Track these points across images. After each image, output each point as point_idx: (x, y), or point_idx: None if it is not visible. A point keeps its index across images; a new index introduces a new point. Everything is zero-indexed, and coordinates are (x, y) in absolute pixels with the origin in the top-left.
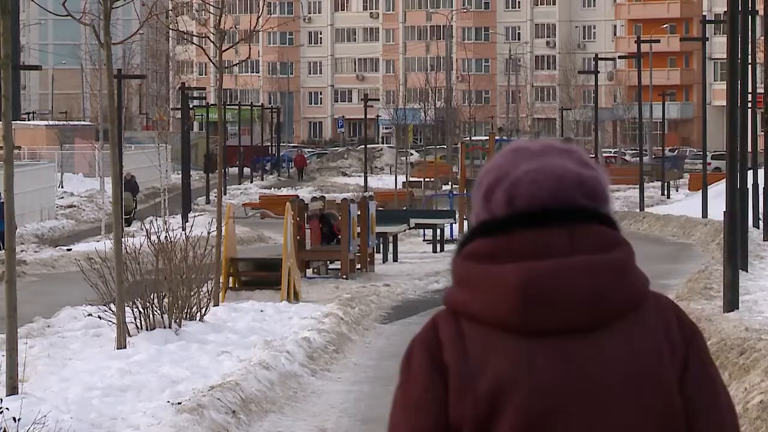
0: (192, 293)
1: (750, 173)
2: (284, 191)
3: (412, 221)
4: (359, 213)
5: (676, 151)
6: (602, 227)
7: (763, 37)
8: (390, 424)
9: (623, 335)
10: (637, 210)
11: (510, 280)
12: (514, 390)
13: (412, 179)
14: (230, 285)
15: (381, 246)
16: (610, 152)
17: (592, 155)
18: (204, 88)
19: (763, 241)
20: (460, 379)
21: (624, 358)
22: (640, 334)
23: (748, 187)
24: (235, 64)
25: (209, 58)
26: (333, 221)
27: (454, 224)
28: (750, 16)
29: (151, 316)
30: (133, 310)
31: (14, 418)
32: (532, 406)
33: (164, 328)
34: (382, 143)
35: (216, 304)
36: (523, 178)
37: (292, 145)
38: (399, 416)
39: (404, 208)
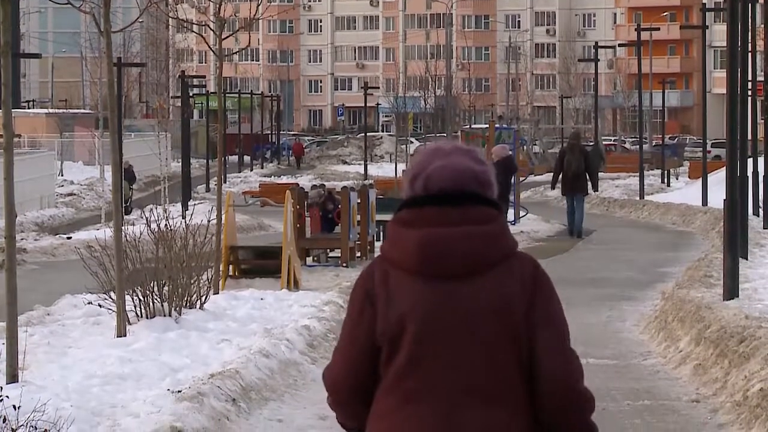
0: (192, 281)
1: (750, 161)
2: (284, 179)
3: None
4: (359, 201)
5: (675, 139)
6: (486, 207)
7: (763, 25)
8: (340, 333)
9: (491, 280)
10: (637, 198)
11: (414, 240)
12: (415, 314)
13: None
14: (230, 273)
15: (381, 234)
16: (610, 140)
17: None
18: (204, 76)
19: (763, 229)
20: (384, 305)
21: (489, 296)
22: (502, 280)
23: (748, 175)
24: (235, 52)
25: (209, 46)
26: (335, 205)
27: None
28: (750, 4)
29: (151, 304)
30: (133, 299)
31: (14, 406)
32: (425, 325)
33: (164, 316)
34: (382, 131)
35: (216, 292)
36: (433, 172)
37: (292, 133)
38: (344, 328)
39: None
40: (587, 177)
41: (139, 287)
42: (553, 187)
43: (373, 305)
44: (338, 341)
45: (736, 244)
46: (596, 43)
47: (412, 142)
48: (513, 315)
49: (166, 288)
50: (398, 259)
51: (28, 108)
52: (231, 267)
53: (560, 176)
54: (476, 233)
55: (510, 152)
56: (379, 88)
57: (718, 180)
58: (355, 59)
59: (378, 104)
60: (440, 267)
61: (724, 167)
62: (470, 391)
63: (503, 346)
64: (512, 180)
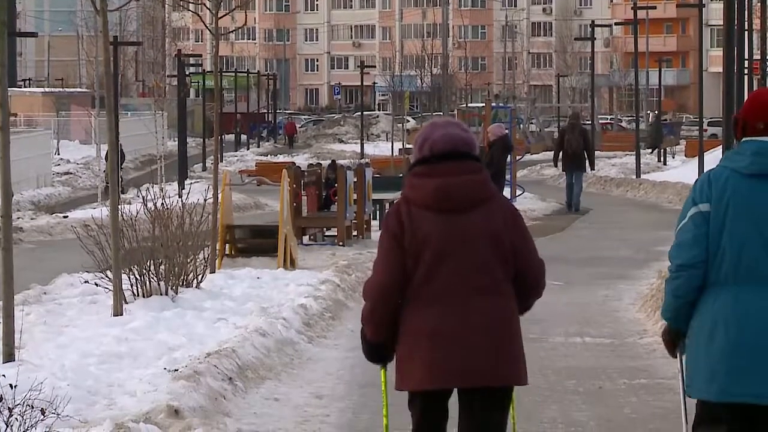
0: (188, 260)
1: None
2: (281, 158)
3: None
4: (356, 180)
5: (669, 115)
6: (474, 162)
7: (759, 3)
8: (377, 254)
9: (484, 213)
10: (634, 177)
11: (430, 186)
12: (432, 238)
13: (408, 146)
14: (227, 252)
15: (377, 213)
16: (606, 119)
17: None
18: (200, 55)
19: None
20: (410, 231)
21: (484, 224)
22: (491, 212)
23: None
24: (232, 31)
25: (205, 25)
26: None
27: None
28: None
29: (147, 283)
30: (129, 278)
31: (10, 385)
32: (439, 246)
33: (161, 295)
34: (379, 110)
35: (212, 271)
36: (437, 139)
37: (289, 112)
38: (381, 248)
39: (400, 174)
40: (586, 156)
41: (135, 266)
42: (555, 165)
43: (402, 230)
44: (376, 259)
45: None
46: (593, 21)
47: (408, 121)
48: (499, 237)
49: (162, 267)
50: (418, 199)
51: (25, 87)
52: (227, 246)
53: (560, 155)
54: (472, 180)
55: (506, 131)
56: (375, 66)
57: (714, 158)
58: (351, 38)
59: (374, 83)
60: (449, 203)
61: (721, 146)
62: (476, 288)
63: (495, 258)
64: (508, 159)
